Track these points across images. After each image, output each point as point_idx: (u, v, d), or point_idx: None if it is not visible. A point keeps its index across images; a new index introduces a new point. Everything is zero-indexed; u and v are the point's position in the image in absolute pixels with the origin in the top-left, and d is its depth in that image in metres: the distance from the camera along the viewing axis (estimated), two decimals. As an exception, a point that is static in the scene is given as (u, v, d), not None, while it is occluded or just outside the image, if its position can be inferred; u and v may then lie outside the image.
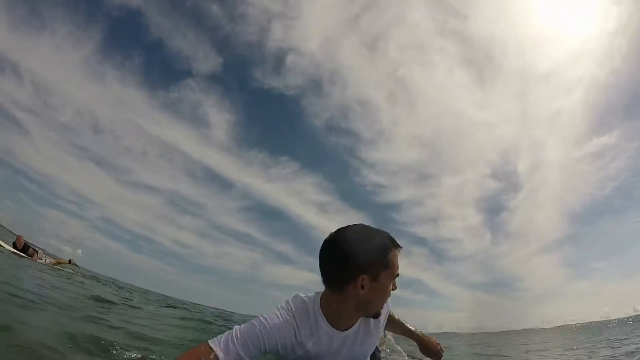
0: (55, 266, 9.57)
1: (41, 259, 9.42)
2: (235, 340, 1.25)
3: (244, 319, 2.32)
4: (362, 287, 1.28)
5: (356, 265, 1.26)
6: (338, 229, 1.33)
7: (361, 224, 1.37)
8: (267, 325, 1.30)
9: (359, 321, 1.42)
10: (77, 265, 10.55)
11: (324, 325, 1.37)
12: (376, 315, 1.41)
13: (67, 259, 10.43)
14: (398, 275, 1.34)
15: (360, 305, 1.34)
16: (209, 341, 1.26)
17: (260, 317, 1.34)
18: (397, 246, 1.33)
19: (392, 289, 1.36)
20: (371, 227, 1.35)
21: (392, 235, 1.35)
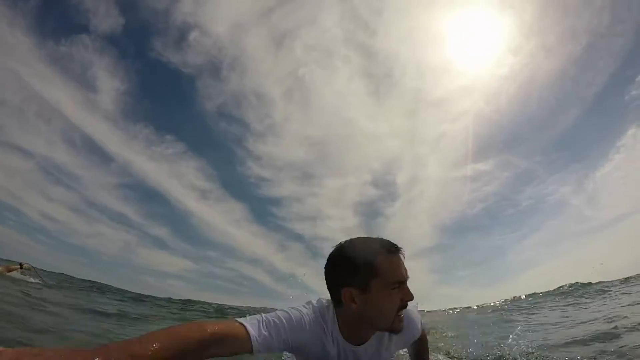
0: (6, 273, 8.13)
1: None
2: (266, 326, 1.17)
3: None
4: (353, 300, 1.22)
5: (338, 278, 1.24)
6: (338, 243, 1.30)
7: (360, 237, 1.29)
8: (297, 322, 1.24)
9: (374, 336, 1.33)
10: (33, 268, 8.87)
11: (340, 337, 1.31)
12: (395, 331, 1.26)
13: (17, 264, 8.66)
14: (400, 282, 1.21)
15: (360, 319, 1.26)
16: (239, 320, 1.15)
17: (288, 311, 1.27)
18: (391, 251, 1.23)
19: (405, 300, 1.22)
20: (367, 238, 1.28)
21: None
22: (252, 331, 1.11)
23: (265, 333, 1.14)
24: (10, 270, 8.32)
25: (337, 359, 1.33)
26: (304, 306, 1.33)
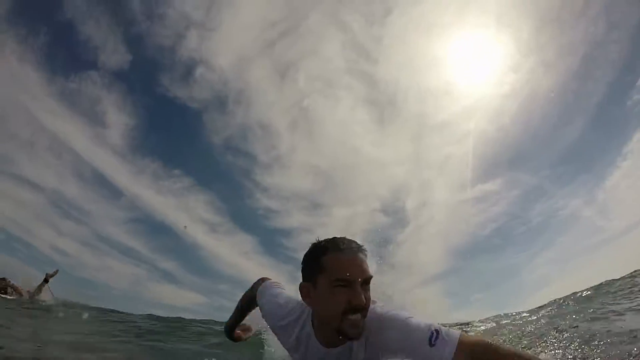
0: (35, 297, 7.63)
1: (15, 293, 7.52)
2: (269, 292, 1.53)
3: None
4: (307, 294, 1.24)
5: (301, 273, 1.29)
6: None
7: (327, 237, 1.28)
8: (278, 309, 1.44)
9: (348, 342, 1.23)
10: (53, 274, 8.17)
11: (312, 334, 1.30)
12: (346, 335, 1.17)
13: (42, 280, 7.95)
14: (345, 281, 1.14)
15: (317, 320, 1.26)
16: (267, 281, 1.60)
17: (279, 296, 1.49)
18: (340, 249, 1.19)
19: (352, 302, 1.13)
20: (331, 237, 1.26)
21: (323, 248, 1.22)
22: (260, 296, 1.54)
23: (263, 302, 1.52)
24: (41, 289, 7.92)
25: (303, 354, 1.34)
26: (296, 300, 1.40)
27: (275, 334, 1.46)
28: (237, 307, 1.74)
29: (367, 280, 1.18)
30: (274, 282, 1.60)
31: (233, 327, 1.79)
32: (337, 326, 1.16)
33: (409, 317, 1.17)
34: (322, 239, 1.28)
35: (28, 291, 7.86)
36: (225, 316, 1.80)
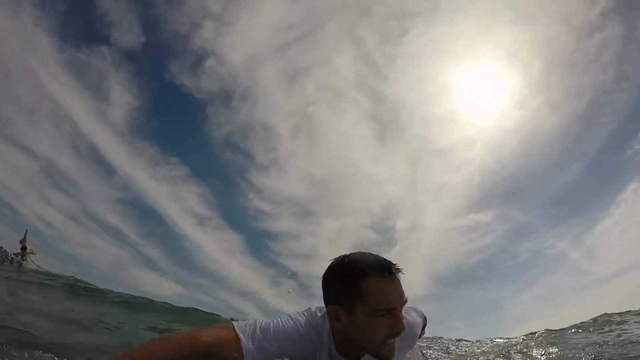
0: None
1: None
2: (259, 334, 1.12)
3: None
4: (339, 319, 1.15)
5: (328, 293, 1.19)
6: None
7: (358, 252, 1.20)
8: (289, 333, 1.18)
9: (366, 356, 1.20)
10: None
11: (334, 351, 1.22)
12: (382, 358, 1.14)
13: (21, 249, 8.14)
14: (389, 310, 1.09)
15: (345, 338, 1.19)
16: (235, 326, 1.10)
17: (281, 321, 1.21)
18: (383, 274, 1.10)
19: (394, 329, 1.10)
20: (364, 255, 1.18)
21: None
22: (244, 338, 1.07)
23: (257, 338, 1.10)
24: (24, 257, 8.11)
25: None
26: (300, 314, 1.26)
27: None
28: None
29: (405, 302, 1.14)
30: (245, 323, 1.21)
31: None
32: (375, 351, 1.13)
33: (415, 315, 1.40)
34: (354, 256, 1.17)
35: (12, 259, 7.97)
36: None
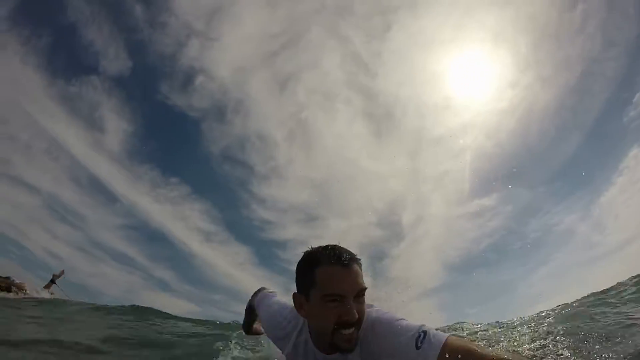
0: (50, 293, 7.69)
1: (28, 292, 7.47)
2: (264, 304, 1.61)
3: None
4: (301, 306, 1.22)
5: (295, 283, 1.26)
6: None
7: (319, 246, 1.25)
8: (275, 318, 1.45)
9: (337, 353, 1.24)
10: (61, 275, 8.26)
11: (310, 343, 1.28)
12: (339, 349, 1.16)
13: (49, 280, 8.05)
14: (337, 296, 1.11)
15: (310, 327, 1.25)
16: (262, 289, 1.74)
17: (276, 305, 1.54)
18: (333, 262, 1.14)
19: (343, 317, 1.11)
20: (323, 247, 1.23)
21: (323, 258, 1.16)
22: (258, 298, 1.71)
23: (259, 302, 1.67)
24: (48, 290, 7.97)
25: None
26: (290, 306, 1.36)
27: (274, 342, 1.46)
28: (246, 311, 1.94)
29: (360, 293, 1.15)
30: (269, 292, 1.70)
31: (250, 324, 2.01)
32: (330, 339, 1.15)
33: (400, 320, 1.18)
34: (316, 246, 1.24)
35: (36, 291, 7.86)
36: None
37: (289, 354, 1.34)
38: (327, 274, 1.13)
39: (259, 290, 1.77)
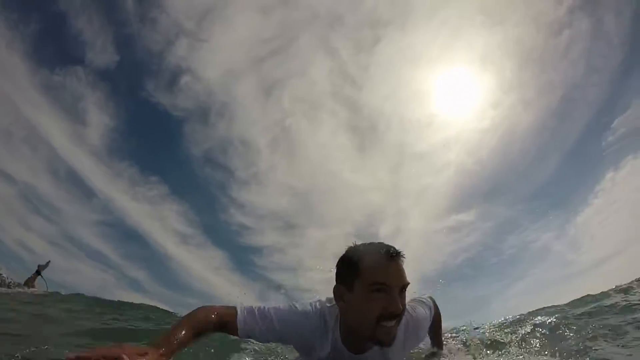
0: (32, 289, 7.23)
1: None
2: (259, 318, 1.26)
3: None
4: (341, 297, 1.20)
5: (335, 275, 1.25)
6: None
7: (366, 242, 1.26)
8: (294, 319, 1.28)
9: (375, 347, 1.24)
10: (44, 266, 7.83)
11: (339, 342, 1.27)
12: (379, 343, 1.16)
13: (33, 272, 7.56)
14: (382, 285, 1.11)
15: (348, 326, 1.22)
16: (237, 307, 1.28)
17: (290, 307, 1.32)
18: (380, 254, 1.15)
19: (388, 309, 1.10)
20: (370, 243, 1.25)
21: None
22: (240, 318, 1.25)
23: (252, 322, 1.25)
24: (34, 282, 7.49)
25: None
26: (311, 304, 1.33)
27: (297, 349, 1.40)
28: (190, 325, 1.22)
29: (404, 287, 1.16)
30: (254, 307, 1.33)
31: (181, 345, 1.24)
32: (370, 333, 1.13)
33: (422, 310, 1.43)
34: (359, 242, 1.25)
35: (19, 283, 7.33)
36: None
37: (316, 357, 1.31)
38: (375, 264, 1.14)
39: (233, 310, 1.30)
